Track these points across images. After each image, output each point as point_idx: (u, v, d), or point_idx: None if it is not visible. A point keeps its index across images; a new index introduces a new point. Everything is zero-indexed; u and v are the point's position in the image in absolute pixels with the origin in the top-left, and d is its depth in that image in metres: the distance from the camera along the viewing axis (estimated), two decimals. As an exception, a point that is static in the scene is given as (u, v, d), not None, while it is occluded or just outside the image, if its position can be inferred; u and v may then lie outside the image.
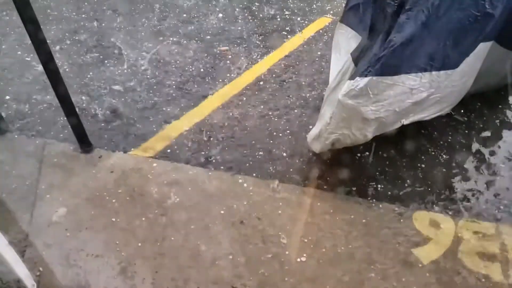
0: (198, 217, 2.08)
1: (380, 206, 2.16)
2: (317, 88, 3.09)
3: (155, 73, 3.27)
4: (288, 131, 2.68)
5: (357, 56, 2.16)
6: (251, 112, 2.85)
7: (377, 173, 2.37)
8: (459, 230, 2.04)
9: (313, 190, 2.25)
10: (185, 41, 3.72)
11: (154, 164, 2.40)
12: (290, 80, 3.20)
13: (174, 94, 3.03)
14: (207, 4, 4.40)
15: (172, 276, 1.81)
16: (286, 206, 2.15)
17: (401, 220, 2.08)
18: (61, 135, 2.61)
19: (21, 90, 3.03)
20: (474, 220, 2.10)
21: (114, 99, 2.97)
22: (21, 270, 1.57)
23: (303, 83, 3.16)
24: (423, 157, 2.48)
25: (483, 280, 1.81)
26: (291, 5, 4.46)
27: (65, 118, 2.37)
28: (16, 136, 2.60)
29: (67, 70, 3.27)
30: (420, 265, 1.87)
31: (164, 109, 2.88)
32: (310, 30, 3.94)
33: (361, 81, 1.97)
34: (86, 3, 4.38)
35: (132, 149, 2.53)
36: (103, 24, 3.98)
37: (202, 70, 3.32)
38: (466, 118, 2.78)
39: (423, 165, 2.43)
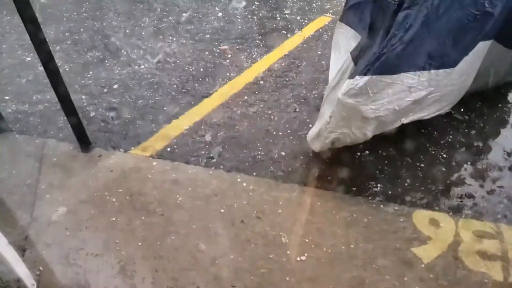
0: (198, 217, 2.08)
1: (380, 205, 2.16)
2: (317, 87, 3.09)
3: (155, 73, 3.27)
4: (288, 130, 2.68)
5: (357, 55, 2.16)
6: (251, 111, 2.84)
7: (377, 172, 2.37)
8: (459, 229, 2.03)
9: (313, 190, 2.25)
10: (185, 41, 3.72)
11: (154, 164, 2.40)
12: (290, 79, 3.19)
13: (174, 94, 3.03)
14: (207, 4, 4.40)
15: (172, 276, 1.81)
16: (286, 205, 2.14)
17: (401, 219, 2.08)
18: (61, 134, 2.62)
19: (21, 90, 3.03)
20: (474, 219, 2.10)
21: (114, 98, 2.97)
22: (21, 270, 1.56)
23: (303, 82, 3.16)
24: (423, 156, 2.47)
25: (483, 279, 1.81)
26: (291, 4, 4.46)
27: (65, 118, 2.37)
28: (16, 136, 2.61)
29: (67, 70, 3.27)
30: (420, 264, 1.86)
31: (164, 108, 2.88)
32: (309, 29, 3.94)
33: (361, 80, 1.97)
34: (86, 3, 4.39)
35: (132, 148, 2.53)
36: (103, 24, 3.99)
37: (202, 69, 3.32)
38: (466, 117, 2.78)
39: (423, 164, 2.42)
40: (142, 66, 3.35)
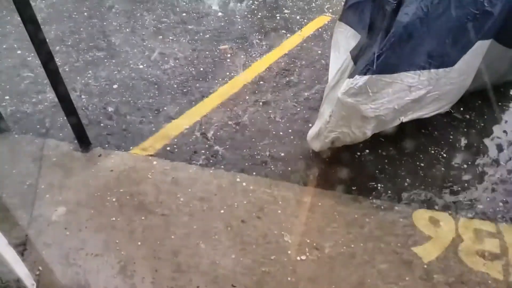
0: (198, 217, 2.08)
1: (380, 204, 2.16)
2: (316, 87, 3.09)
3: (155, 72, 3.27)
4: (287, 130, 2.68)
5: (356, 55, 2.16)
6: (251, 111, 2.84)
7: (377, 172, 2.37)
8: (459, 228, 2.03)
9: (313, 189, 2.25)
10: (185, 40, 3.72)
11: (154, 163, 2.40)
12: (290, 78, 3.19)
13: (174, 93, 3.03)
14: (207, 3, 4.40)
15: (172, 276, 1.81)
16: (286, 205, 2.14)
17: (401, 219, 2.08)
18: (61, 134, 2.62)
19: (21, 90, 3.03)
20: (475, 218, 2.10)
21: (114, 98, 2.97)
22: (21, 270, 1.57)
23: (303, 81, 3.16)
24: (423, 156, 2.47)
25: (483, 278, 1.81)
26: (290, 3, 4.46)
27: (65, 118, 2.37)
28: (16, 136, 2.61)
29: (67, 70, 3.27)
30: (420, 263, 1.86)
31: (164, 108, 2.88)
32: (309, 29, 3.94)
33: (360, 79, 1.97)
34: (86, 3, 4.39)
35: (132, 148, 2.53)
36: (104, 24, 3.99)
37: (201, 69, 3.32)
38: (466, 117, 2.78)
39: (423, 164, 2.42)
40: (142, 66, 3.35)
